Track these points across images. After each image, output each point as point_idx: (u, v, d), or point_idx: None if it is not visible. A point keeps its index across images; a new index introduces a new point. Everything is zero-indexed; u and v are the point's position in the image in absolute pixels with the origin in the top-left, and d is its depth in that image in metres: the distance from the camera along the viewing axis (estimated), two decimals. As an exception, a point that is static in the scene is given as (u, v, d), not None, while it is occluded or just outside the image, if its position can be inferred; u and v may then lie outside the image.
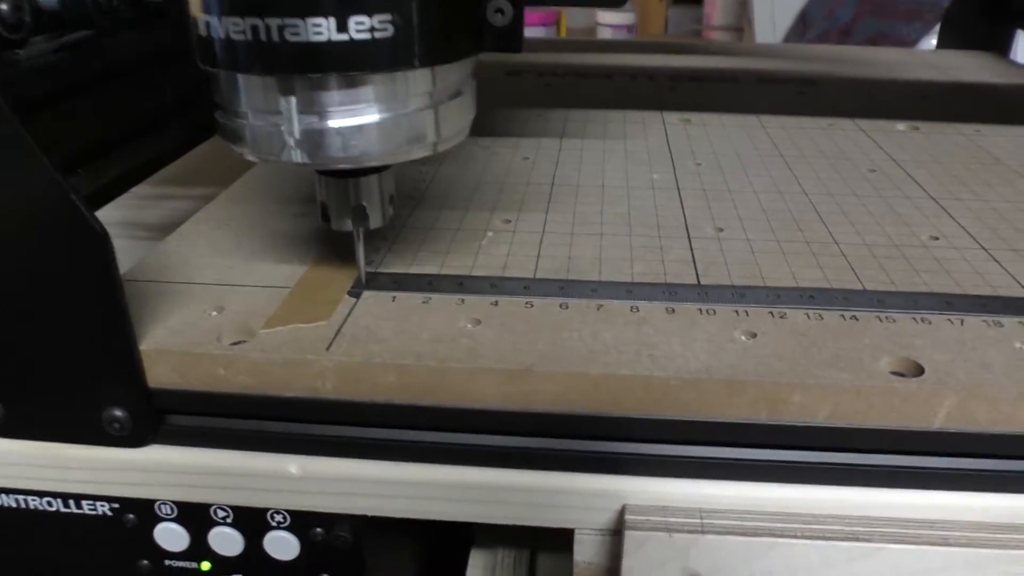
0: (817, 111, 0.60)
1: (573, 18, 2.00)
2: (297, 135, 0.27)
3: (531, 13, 1.77)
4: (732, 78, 0.71)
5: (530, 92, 0.66)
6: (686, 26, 1.93)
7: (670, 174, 0.47)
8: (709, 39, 1.77)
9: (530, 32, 1.52)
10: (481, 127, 0.56)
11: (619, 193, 0.44)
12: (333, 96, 0.27)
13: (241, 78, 0.27)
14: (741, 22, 1.65)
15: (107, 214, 0.50)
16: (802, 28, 1.37)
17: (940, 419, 0.28)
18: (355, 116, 0.27)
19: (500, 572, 0.42)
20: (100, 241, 0.28)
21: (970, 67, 0.77)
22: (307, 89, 0.27)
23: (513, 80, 0.70)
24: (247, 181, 0.47)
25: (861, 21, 1.26)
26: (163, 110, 0.44)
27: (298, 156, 0.27)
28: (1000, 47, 0.84)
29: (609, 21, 1.91)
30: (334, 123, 0.27)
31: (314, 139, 0.27)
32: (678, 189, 0.45)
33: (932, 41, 0.91)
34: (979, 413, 0.28)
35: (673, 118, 0.58)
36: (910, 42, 1.20)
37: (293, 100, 0.27)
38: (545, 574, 0.42)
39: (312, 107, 0.27)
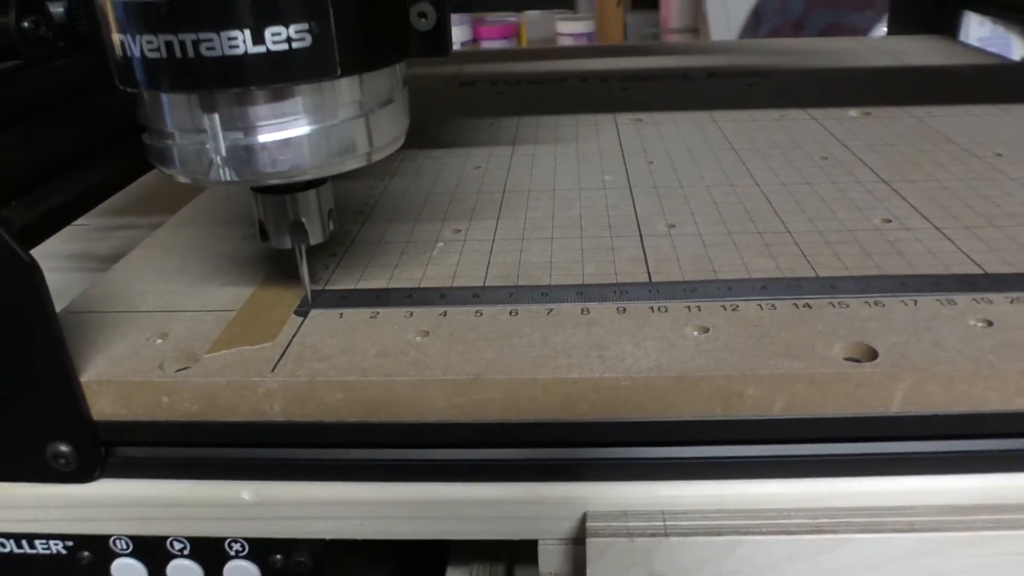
0: (769, 103, 0.60)
1: (533, 29, 2.00)
2: (223, 152, 0.26)
3: (490, 27, 1.77)
4: (683, 75, 0.71)
5: (483, 101, 0.66)
6: (645, 30, 1.94)
7: (622, 174, 0.47)
8: (667, 42, 1.77)
9: (490, 45, 1.52)
10: (433, 139, 0.55)
11: (570, 196, 0.44)
12: (257, 110, 0.26)
13: (162, 97, 0.27)
14: (697, 23, 1.66)
15: (58, 247, 0.49)
16: (755, 24, 1.38)
17: (897, 403, 0.28)
18: (281, 129, 0.26)
19: (476, 587, 0.41)
20: (29, 271, 0.27)
21: (920, 51, 0.77)
22: (230, 104, 0.26)
23: (466, 90, 0.70)
24: (195, 206, 0.46)
25: (813, 13, 1.27)
26: (104, 138, 0.43)
27: (226, 174, 0.27)
28: (950, 30, 0.85)
29: (568, 31, 1.91)
30: (261, 138, 0.26)
31: (241, 155, 0.27)
32: (630, 188, 0.44)
33: (883, 29, 0.92)
34: (935, 394, 0.28)
35: (625, 118, 0.58)
36: (862, 31, 1.21)
37: (216, 117, 0.26)
38: (522, 586, 0.41)
39: (236, 123, 0.26)
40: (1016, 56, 1.13)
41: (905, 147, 0.49)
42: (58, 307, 0.28)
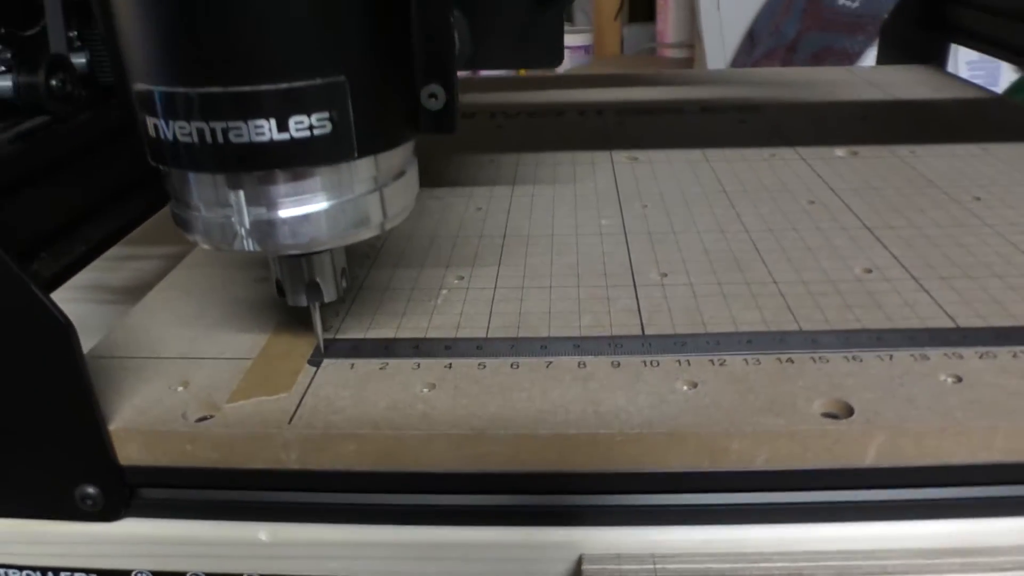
0: (760, 140, 0.62)
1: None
2: (247, 226, 0.28)
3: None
4: (677, 109, 0.73)
5: (483, 135, 0.68)
6: (641, 44, 1.96)
7: (617, 218, 0.49)
8: (663, 56, 1.80)
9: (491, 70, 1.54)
10: (436, 177, 0.57)
11: (568, 241, 0.46)
12: (280, 188, 0.28)
13: (191, 175, 0.29)
14: (693, 39, 1.68)
15: (75, 278, 0.51)
16: (749, 45, 1.40)
17: (871, 457, 0.30)
18: (302, 206, 0.29)
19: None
20: (63, 331, 0.29)
21: (908, 82, 0.80)
22: (254, 183, 0.28)
23: (467, 123, 0.72)
24: (208, 246, 0.48)
25: (806, 36, 1.29)
26: (127, 181, 0.46)
27: (249, 245, 0.29)
28: (937, 60, 0.87)
29: (567, 43, 1.93)
30: (282, 213, 0.28)
31: (264, 228, 0.29)
32: (625, 234, 0.46)
33: (874, 51, 0.94)
34: (907, 448, 0.30)
35: (621, 156, 0.60)
36: (854, 55, 1.24)
37: (241, 194, 0.28)
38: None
39: (260, 199, 0.28)
40: (1003, 80, 1.15)
41: (888, 191, 0.51)
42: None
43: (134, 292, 0.46)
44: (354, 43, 0.27)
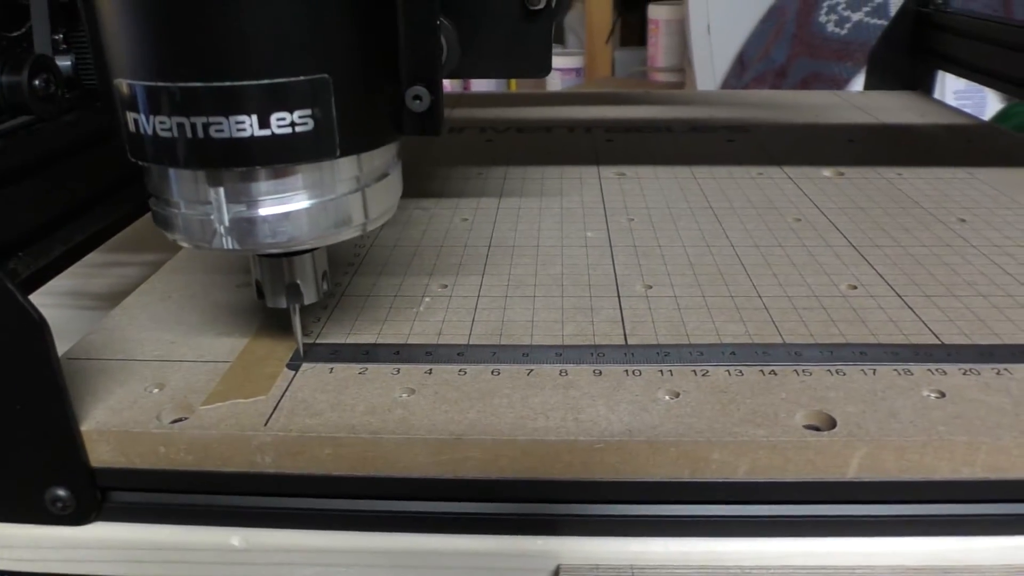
0: (748, 159, 0.62)
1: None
2: (227, 223, 0.28)
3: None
4: (666, 128, 0.73)
5: (472, 149, 0.68)
6: (632, 67, 1.97)
7: (603, 231, 0.49)
8: (653, 80, 1.81)
9: (481, 85, 1.54)
10: (423, 188, 0.57)
11: (553, 252, 0.45)
12: (260, 186, 0.28)
13: (171, 171, 0.28)
14: (683, 64, 1.69)
15: (55, 284, 0.50)
16: (740, 70, 1.41)
17: (852, 470, 0.30)
18: (283, 204, 0.28)
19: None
20: (37, 329, 0.29)
21: (896, 108, 0.80)
22: (234, 180, 0.28)
23: (456, 137, 0.72)
24: (190, 250, 0.48)
25: (795, 62, 1.30)
26: (109, 184, 0.45)
27: (229, 243, 0.28)
28: (924, 87, 0.88)
29: (559, 65, 1.94)
30: (263, 211, 0.28)
31: (243, 226, 0.28)
32: (610, 246, 0.46)
33: (863, 77, 0.95)
34: (888, 462, 0.29)
35: (609, 172, 0.60)
36: (843, 81, 1.25)
37: (221, 190, 0.28)
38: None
39: (240, 196, 0.28)
40: (990, 108, 1.16)
41: (874, 210, 0.51)
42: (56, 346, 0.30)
43: (115, 298, 0.45)
44: (338, 41, 0.27)
